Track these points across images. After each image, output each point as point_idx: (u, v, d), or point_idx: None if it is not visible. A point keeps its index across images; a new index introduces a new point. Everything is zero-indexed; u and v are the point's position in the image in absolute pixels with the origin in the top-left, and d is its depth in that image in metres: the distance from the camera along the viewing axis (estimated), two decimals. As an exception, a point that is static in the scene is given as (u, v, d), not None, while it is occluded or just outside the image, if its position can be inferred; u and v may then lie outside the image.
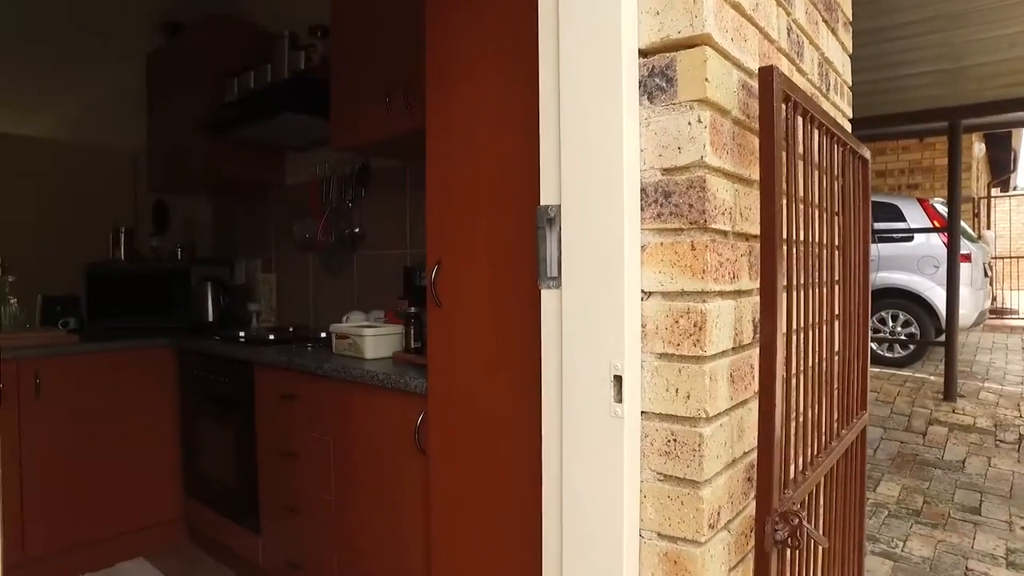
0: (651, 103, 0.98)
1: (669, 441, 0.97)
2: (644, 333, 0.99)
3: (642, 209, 0.99)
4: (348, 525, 1.97)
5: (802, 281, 1.04)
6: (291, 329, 2.86)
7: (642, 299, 0.99)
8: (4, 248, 4.44)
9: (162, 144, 3.38)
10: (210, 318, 2.99)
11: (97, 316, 3.21)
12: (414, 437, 1.70)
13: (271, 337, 2.49)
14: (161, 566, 2.68)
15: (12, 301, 3.00)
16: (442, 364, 1.57)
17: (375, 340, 2.03)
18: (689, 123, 0.94)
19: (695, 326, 0.94)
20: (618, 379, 0.96)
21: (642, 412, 0.99)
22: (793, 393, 1.01)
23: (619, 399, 0.96)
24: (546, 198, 1.08)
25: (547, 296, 1.08)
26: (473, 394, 1.49)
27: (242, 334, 2.66)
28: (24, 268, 4.40)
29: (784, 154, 0.93)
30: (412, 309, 2.02)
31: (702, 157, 0.93)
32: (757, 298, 1.11)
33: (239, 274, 3.53)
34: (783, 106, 0.93)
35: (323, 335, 2.60)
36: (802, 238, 1.04)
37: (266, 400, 2.28)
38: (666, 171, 0.97)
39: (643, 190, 0.99)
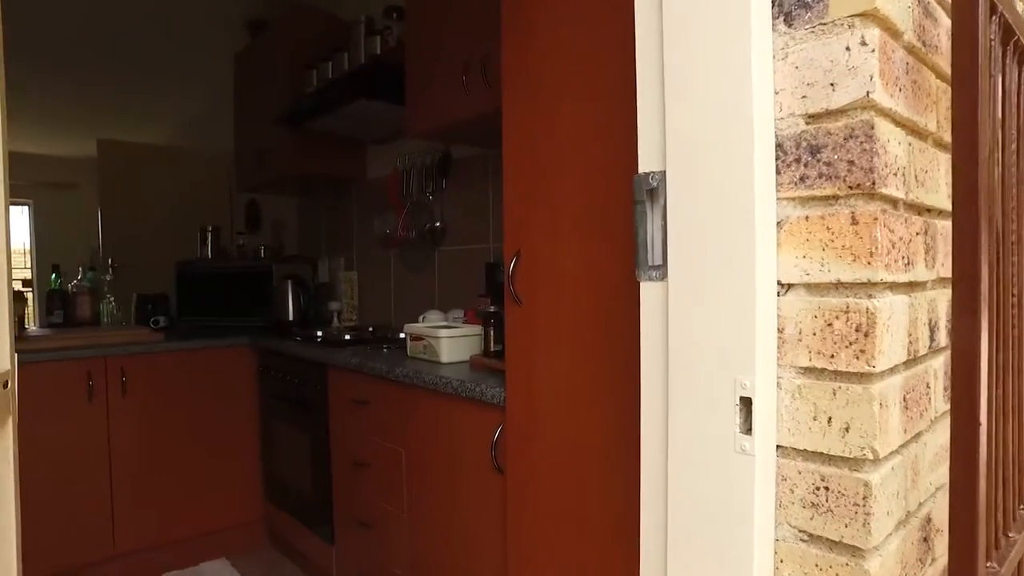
0: (789, 27, 0.72)
1: (818, 489, 0.70)
2: (782, 340, 0.73)
3: (778, 172, 0.73)
4: (420, 544, 1.79)
5: (1004, 272, 0.75)
6: (370, 329, 2.73)
7: (778, 293, 0.73)
8: (112, 249, 4.62)
9: (248, 143, 3.36)
10: (290, 317, 2.91)
11: (185, 314, 3.22)
12: (490, 454, 1.49)
13: (347, 338, 2.36)
14: (242, 568, 2.61)
15: (110, 299, 3.04)
16: (521, 372, 1.35)
17: (451, 342, 1.85)
18: (847, 48, 0.68)
19: (858, 330, 0.67)
20: (746, 402, 0.71)
21: (778, 447, 0.73)
22: (996, 423, 0.73)
23: (747, 429, 0.71)
24: (646, 163, 0.84)
25: (648, 290, 0.84)
26: (557, 409, 1.27)
27: (319, 334, 2.55)
28: (128, 267, 4.56)
29: (989, 89, 0.65)
30: (492, 308, 1.82)
31: (868, 94, 0.66)
32: (934, 293, 0.82)
33: (323, 272, 3.46)
34: (988, 21, 0.65)
35: (401, 336, 2.45)
36: (1012, 208, 0.75)
37: (339, 405, 2.15)
38: (813, 118, 0.71)
39: (779, 146, 0.73)
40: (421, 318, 2.20)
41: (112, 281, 4.47)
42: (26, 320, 2.85)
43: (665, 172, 0.80)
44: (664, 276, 0.81)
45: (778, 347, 0.73)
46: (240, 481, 2.74)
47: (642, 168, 0.85)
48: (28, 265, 8.18)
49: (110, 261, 4.51)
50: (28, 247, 8.15)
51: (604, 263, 1.14)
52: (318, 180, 3.20)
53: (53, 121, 6.27)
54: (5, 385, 0.94)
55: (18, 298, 2.86)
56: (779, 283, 0.73)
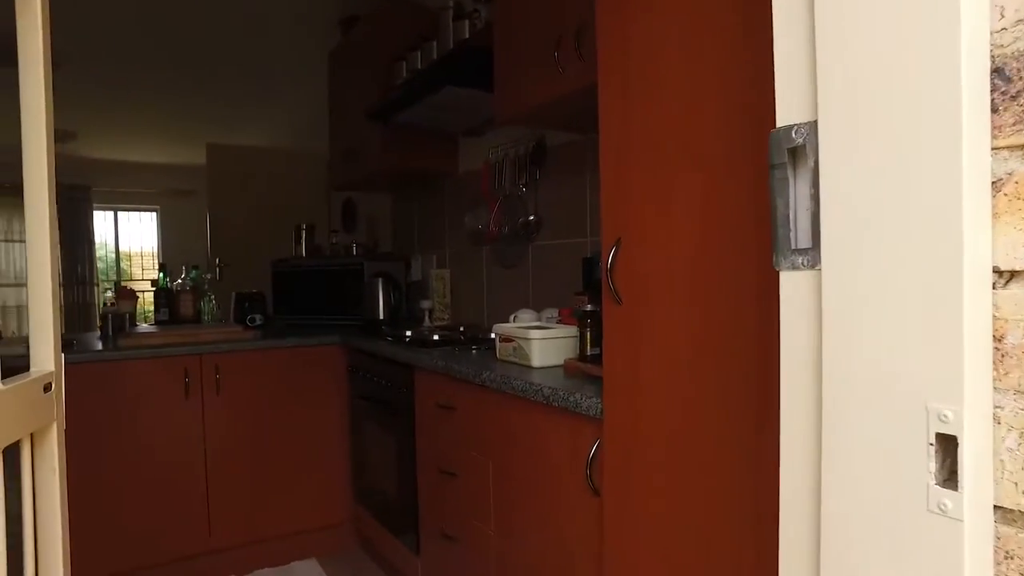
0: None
1: (1063, 573, 0.48)
2: (1001, 353, 0.50)
3: (994, 110, 0.51)
4: (508, 565, 1.63)
5: None
6: (461, 329, 2.61)
7: (995, 285, 0.51)
8: (219, 249, 4.78)
9: (340, 141, 3.33)
10: (380, 316, 2.84)
11: (280, 312, 3.23)
12: (585, 473, 1.31)
13: (435, 338, 2.24)
14: (331, 571, 2.56)
15: (211, 298, 3.09)
16: (621, 381, 1.16)
17: (542, 344, 1.68)
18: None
19: None
20: (946, 442, 0.49)
21: (997, 508, 0.51)
22: None
23: (949, 480, 0.49)
24: (787, 114, 0.63)
25: (792, 282, 0.63)
26: (665, 428, 1.07)
27: (408, 334, 2.45)
28: (233, 266, 4.70)
29: None
30: (589, 307, 1.63)
31: None
32: None
33: (416, 270, 3.39)
34: None
35: (492, 336, 2.31)
36: None
37: (425, 409, 2.02)
38: (1054, 27, 0.48)
39: (997, 71, 0.50)
40: (512, 318, 2.04)
41: (218, 280, 4.63)
42: (136, 317, 2.93)
43: (815, 123, 0.59)
44: (814, 263, 0.60)
45: (995, 363, 0.50)
46: (330, 481, 2.69)
47: (781, 121, 0.64)
48: (155, 266, 8.76)
49: (217, 260, 4.67)
50: (156, 250, 8.72)
51: (726, 250, 0.94)
52: (409, 176, 3.13)
53: (174, 132, 6.64)
54: (48, 388, 0.86)
55: (130, 296, 2.95)
56: (996, 270, 0.51)
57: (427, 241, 3.34)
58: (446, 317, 3.05)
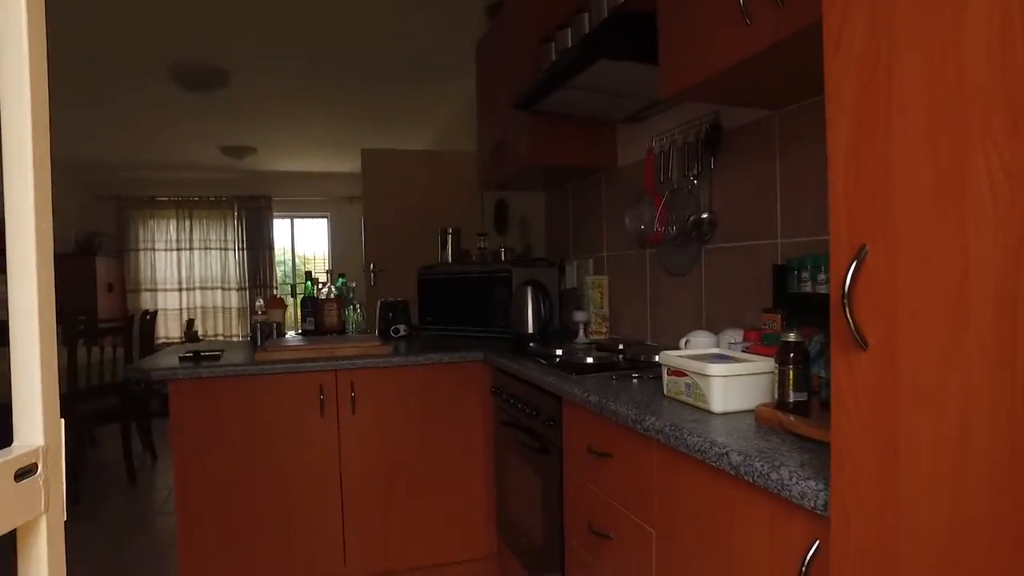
0: None
1: None
2: None
3: None
4: (682, 677, 1.24)
5: None
6: (620, 347, 2.24)
7: None
8: (373, 255, 4.77)
9: (489, 136, 3.08)
10: (530, 329, 2.54)
11: (424, 322, 3.04)
12: (799, 587, 0.90)
13: (588, 360, 1.89)
14: (475, 615, 2.30)
15: (356, 307, 2.96)
16: (866, 466, 0.74)
17: (727, 384, 1.26)
18: None
19: None
20: None
21: None
22: None
23: None
24: None
25: None
26: (945, 553, 0.64)
27: (559, 353, 2.13)
28: (384, 273, 4.66)
29: None
30: (792, 337, 1.20)
31: None
32: None
33: (570, 277, 3.06)
34: None
35: (655, 358, 1.91)
36: None
37: (575, 450, 1.68)
38: None
39: None
40: (683, 342, 1.63)
41: (372, 286, 4.60)
42: (284, 327, 2.87)
43: None
44: None
45: None
46: (472, 512, 2.43)
47: None
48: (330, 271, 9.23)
49: (372, 266, 4.65)
50: (327, 256, 9.19)
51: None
52: (562, 171, 2.80)
53: (336, 141, 6.87)
54: (29, 472, 0.63)
55: (279, 305, 2.90)
56: None
57: (583, 244, 3.00)
58: (603, 331, 2.69)
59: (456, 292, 2.90)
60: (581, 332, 2.61)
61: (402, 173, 4.61)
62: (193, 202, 8.55)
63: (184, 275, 8.56)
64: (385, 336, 2.88)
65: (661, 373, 1.48)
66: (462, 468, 2.41)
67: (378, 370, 2.31)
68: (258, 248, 8.68)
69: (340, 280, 2.98)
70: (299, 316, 2.96)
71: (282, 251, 9.19)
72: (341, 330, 2.87)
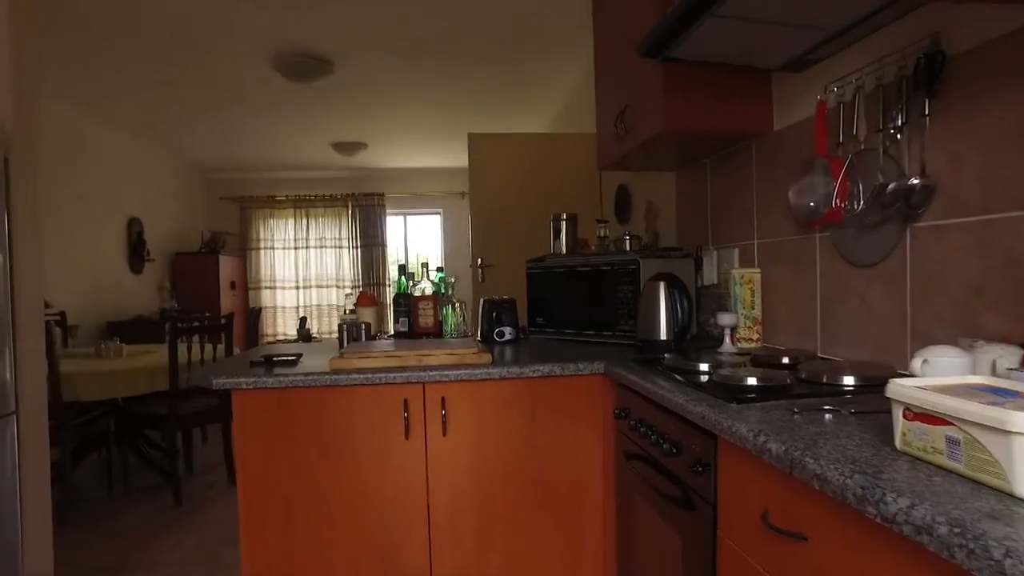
0: None
1: None
2: None
3: None
4: None
5: None
6: (785, 361, 1.69)
7: None
8: (483, 248, 4.40)
9: (610, 104, 2.60)
10: (662, 334, 2.04)
11: (534, 323, 2.60)
12: None
13: (751, 382, 1.36)
14: None
15: (456, 307, 2.58)
16: None
17: (1038, 445, 0.72)
18: None
19: None
20: None
21: None
22: None
23: None
24: None
25: None
26: None
27: (704, 368, 1.61)
28: (496, 267, 4.26)
29: None
30: None
31: None
32: None
33: (708, 271, 2.52)
34: None
35: (848, 383, 1.36)
36: None
37: (739, 515, 1.17)
38: None
39: None
40: (918, 363, 1.07)
41: (480, 282, 4.23)
42: (378, 327, 2.54)
43: None
44: None
45: None
46: (584, 562, 1.96)
47: None
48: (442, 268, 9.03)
49: (479, 261, 4.28)
50: (440, 253, 9.01)
51: None
52: (700, 141, 2.27)
53: (446, 134, 6.61)
54: None
55: (370, 302, 2.57)
56: None
57: (725, 231, 2.45)
58: (754, 338, 2.14)
59: (571, 288, 2.44)
60: (727, 339, 2.07)
61: (511, 159, 4.21)
62: (309, 200, 8.62)
63: (300, 273, 8.65)
64: (488, 340, 2.47)
65: (883, 406, 0.94)
66: (574, 507, 1.95)
67: (475, 383, 1.89)
68: (371, 246, 8.63)
69: (438, 274, 2.60)
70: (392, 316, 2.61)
71: (395, 250, 9.09)
72: (437, 332, 2.49)
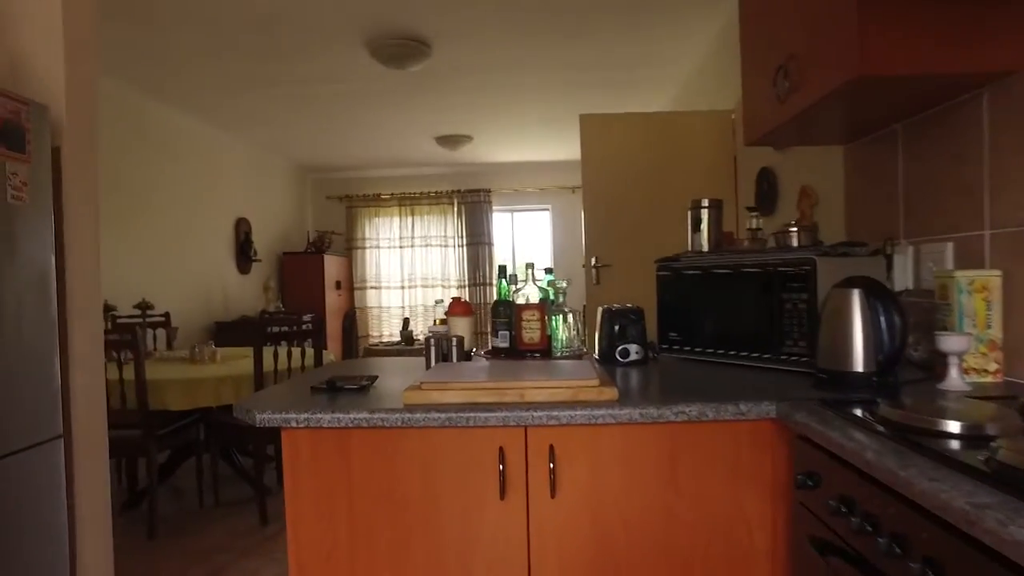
0: None
1: None
2: None
3: None
4: None
5: None
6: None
7: None
8: (599, 246, 3.87)
9: (764, 60, 2.02)
10: (858, 364, 1.45)
11: (667, 340, 2.07)
12: None
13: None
14: None
15: (569, 317, 2.09)
16: None
17: None
18: None
19: None
20: None
21: None
22: None
23: None
24: None
25: None
26: None
27: (953, 429, 1.03)
28: (614, 267, 3.73)
29: None
30: None
31: None
32: None
33: (901, 274, 1.90)
34: None
35: None
36: None
37: None
38: None
39: None
40: None
41: (595, 284, 3.71)
42: (472, 342, 2.10)
43: None
44: None
45: None
46: None
47: None
48: (551, 266, 8.57)
49: (593, 260, 3.76)
50: (550, 252, 8.54)
51: None
52: (900, 95, 1.66)
53: (557, 119, 6.12)
54: None
55: (465, 312, 2.13)
56: None
57: (929, 218, 1.82)
58: (991, 368, 1.51)
59: (716, 296, 1.89)
60: (953, 371, 1.46)
61: (630, 141, 3.66)
62: (414, 198, 8.42)
63: (405, 272, 8.47)
64: (608, 360, 1.97)
65: None
66: (736, 601, 1.41)
67: (595, 428, 1.40)
68: (478, 244, 8.31)
69: (546, 276, 2.12)
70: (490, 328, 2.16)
71: (502, 249, 8.72)
72: (545, 349, 2.01)
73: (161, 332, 4.55)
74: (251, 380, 3.27)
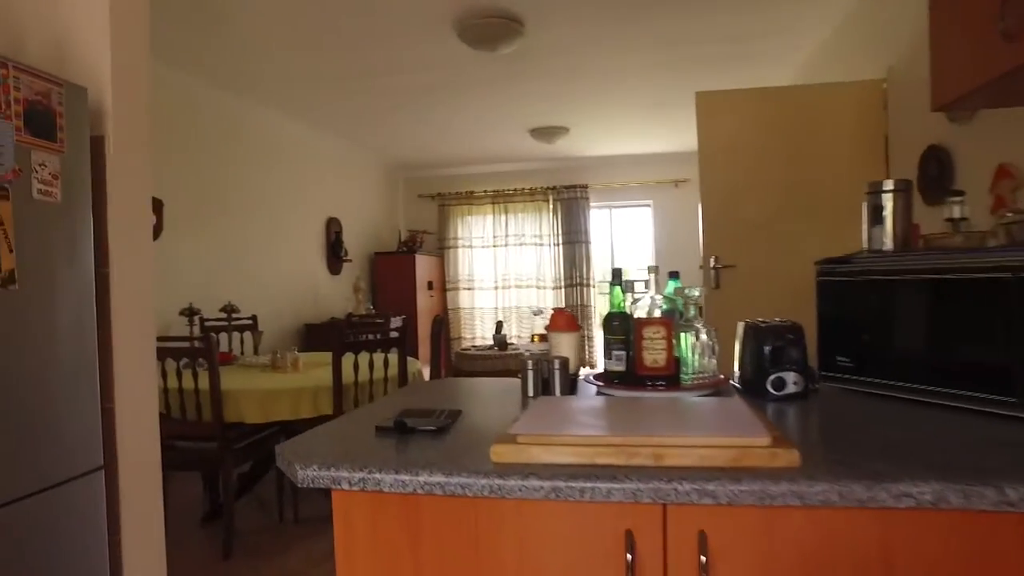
0: None
1: None
2: None
3: None
4: None
5: None
6: None
7: None
8: (717, 241, 3.36)
9: (969, 5, 1.50)
10: None
11: (832, 366, 1.58)
12: None
13: None
14: None
15: (700, 331, 1.65)
16: None
17: None
18: None
19: None
20: None
21: None
22: None
23: None
24: None
25: None
26: None
27: None
28: (738, 268, 3.22)
29: None
30: None
31: None
32: None
33: None
34: None
35: None
36: None
37: None
38: None
39: None
40: None
41: (714, 287, 3.21)
42: (580, 362, 1.69)
43: None
44: None
45: None
46: None
47: None
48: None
49: (713, 261, 3.26)
50: (651, 251, 8.00)
51: None
52: None
53: (661, 105, 5.59)
54: None
55: (568, 325, 1.72)
56: None
57: None
58: None
59: (910, 309, 1.39)
60: None
61: (755, 121, 3.15)
62: (508, 195, 8.09)
63: (499, 272, 8.16)
64: (754, 391, 1.51)
65: None
66: None
67: (769, 511, 0.95)
68: (574, 242, 7.88)
69: (671, 282, 1.68)
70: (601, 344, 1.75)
71: (599, 248, 8.25)
72: (672, 375, 1.58)
73: (248, 336, 4.42)
74: (330, 391, 3.00)
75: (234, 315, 4.19)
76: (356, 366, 2.99)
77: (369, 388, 3.10)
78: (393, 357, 3.17)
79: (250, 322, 4.47)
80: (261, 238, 5.37)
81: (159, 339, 3.00)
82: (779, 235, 3.03)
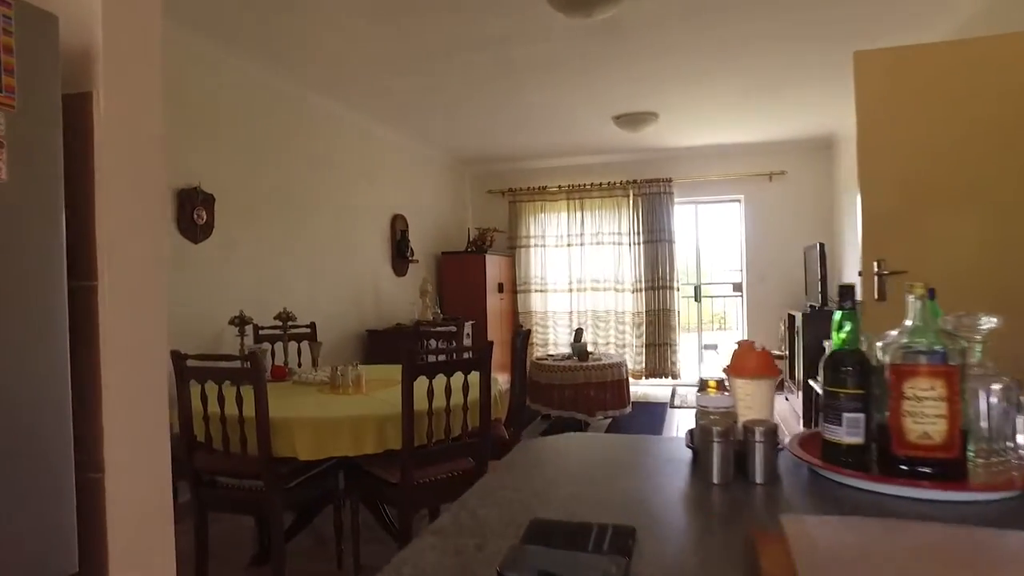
0: None
1: None
2: None
3: None
4: None
5: None
6: None
7: None
8: (881, 240, 2.63)
9: None
10: None
11: None
12: None
13: None
14: None
15: (995, 388, 1.03)
16: None
17: None
18: None
19: None
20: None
21: None
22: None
23: None
24: None
25: None
26: None
27: None
28: (906, 279, 2.52)
29: None
30: None
31: None
32: None
33: None
34: None
35: None
36: None
37: None
38: None
39: None
40: None
41: (878, 303, 2.52)
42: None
43: None
44: None
45: None
46: None
47: None
48: (740, 267, 7.28)
49: (876, 267, 2.55)
50: (742, 250, 7.25)
51: None
52: None
53: (763, 88, 4.86)
54: None
55: (757, 370, 1.14)
56: None
57: None
58: None
59: None
60: None
61: (934, 87, 2.46)
62: (585, 190, 7.48)
63: (574, 273, 7.56)
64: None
65: None
66: None
67: None
68: (657, 241, 7.21)
69: (932, 306, 1.07)
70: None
71: (683, 247, 7.54)
72: (956, 460, 0.96)
73: (305, 346, 3.96)
74: (398, 421, 2.48)
75: (290, 323, 3.74)
76: (431, 392, 2.45)
77: (446, 418, 2.57)
78: (473, 377, 2.62)
79: (308, 331, 4.02)
80: (321, 237, 4.94)
81: (196, 357, 2.57)
82: (969, 235, 2.34)
